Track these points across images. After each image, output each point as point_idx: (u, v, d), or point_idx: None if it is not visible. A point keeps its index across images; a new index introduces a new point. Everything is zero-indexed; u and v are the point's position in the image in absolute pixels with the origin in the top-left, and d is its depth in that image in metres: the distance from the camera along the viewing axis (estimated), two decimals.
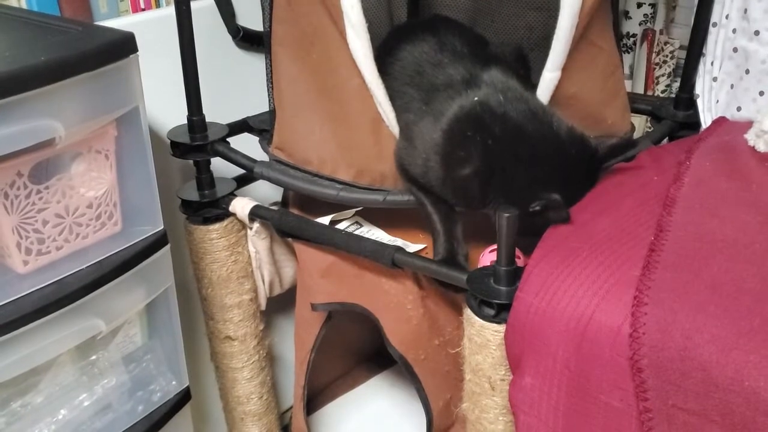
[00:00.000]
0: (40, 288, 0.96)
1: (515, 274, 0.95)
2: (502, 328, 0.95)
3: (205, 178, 1.30)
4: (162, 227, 1.10)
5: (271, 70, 1.24)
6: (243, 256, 1.35)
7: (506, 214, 0.92)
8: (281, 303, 1.54)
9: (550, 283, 0.89)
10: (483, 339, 0.98)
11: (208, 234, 1.30)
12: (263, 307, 1.43)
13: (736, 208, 0.94)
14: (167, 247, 1.11)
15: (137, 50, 0.99)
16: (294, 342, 1.40)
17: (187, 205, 1.30)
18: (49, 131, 0.90)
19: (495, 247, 1.00)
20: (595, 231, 0.95)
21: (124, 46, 0.97)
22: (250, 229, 1.31)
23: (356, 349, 1.76)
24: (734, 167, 1.05)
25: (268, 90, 1.27)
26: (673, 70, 1.57)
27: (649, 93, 1.60)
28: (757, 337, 0.75)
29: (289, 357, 1.58)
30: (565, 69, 1.09)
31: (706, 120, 1.29)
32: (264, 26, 1.24)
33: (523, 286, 0.91)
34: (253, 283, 1.38)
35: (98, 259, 1.02)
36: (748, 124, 1.17)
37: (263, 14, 1.24)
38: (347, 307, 1.22)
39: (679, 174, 1.04)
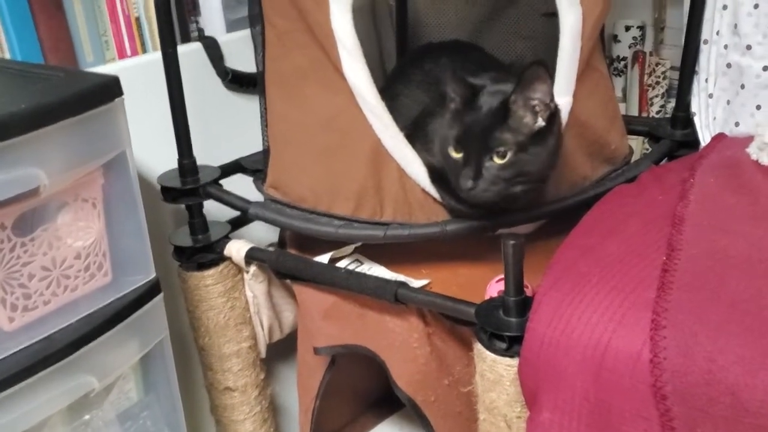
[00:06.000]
0: (28, 346, 0.92)
1: (525, 304, 0.92)
2: (515, 362, 0.91)
3: (198, 222, 1.27)
4: (154, 275, 1.07)
5: (265, 109, 1.23)
6: (240, 302, 1.31)
7: (512, 242, 0.90)
8: (282, 349, 1.50)
9: (562, 312, 0.86)
10: (496, 375, 0.94)
11: (203, 280, 1.26)
12: (263, 354, 1.39)
13: (747, 223, 0.91)
14: (160, 296, 1.08)
15: (122, 93, 0.96)
16: (297, 389, 1.35)
17: (180, 252, 1.27)
18: (33, 180, 0.88)
19: (501, 276, 0.97)
20: (604, 254, 0.92)
21: (108, 89, 0.95)
22: (247, 272, 1.27)
23: (363, 394, 1.71)
24: (740, 182, 1.03)
25: (262, 129, 1.25)
26: (667, 90, 1.56)
27: (644, 114, 1.59)
28: None
29: (292, 406, 1.53)
30: (576, 95, 1.10)
31: (704, 137, 1.28)
32: (257, 67, 1.24)
33: (534, 316, 0.88)
34: (251, 330, 1.35)
35: (88, 313, 0.99)
36: (749, 139, 1.15)
37: (256, 55, 1.24)
38: (351, 349, 1.18)
39: (684, 192, 1.01)
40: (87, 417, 1.05)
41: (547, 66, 0.98)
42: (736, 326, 0.75)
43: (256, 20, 1.21)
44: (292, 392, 1.45)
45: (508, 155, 0.98)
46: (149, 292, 1.06)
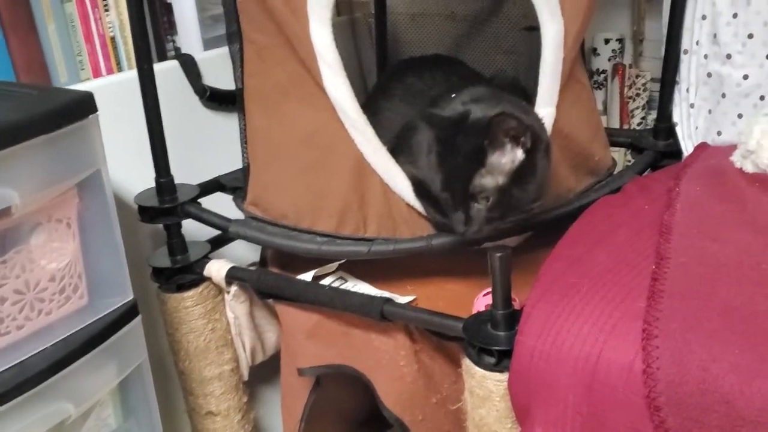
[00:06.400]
0: (0, 372, 0.89)
1: (513, 318, 0.90)
2: (504, 376, 0.90)
3: (176, 242, 1.25)
4: (132, 297, 1.05)
5: (244, 126, 1.21)
6: (221, 324, 1.28)
7: (498, 254, 0.88)
8: (265, 372, 1.47)
9: (551, 323, 0.84)
10: (485, 391, 0.92)
11: (182, 302, 1.24)
12: (246, 377, 1.36)
13: (735, 229, 0.91)
14: (138, 319, 1.06)
15: (96, 110, 0.95)
16: (281, 412, 1.32)
17: (158, 273, 1.24)
18: (5, 200, 0.85)
19: (489, 290, 0.95)
20: (593, 264, 0.91)
21: (82, 106, 0.93)
22: (228, 293, 1.25)
23: (349, 415, 1.68)
24: (725, 190, 1.03)
25: (241, 146, 1.24)
26: (647, 102, 1.56)
27: (625, 127, 1.58)
28: None
29: (277, 430, 1.50)
30: (559, 106, 1.09)
31: (687, 147, 1.28)
32: (236, 84, 1.22)
33: (523, 329, 0.86)
34: (233, 352, 1.32)
35: (64, 336, 0.96)
36: (731, 148, 1.15)
37: (234, 71, 1.22)
38: (336, 370, 1.16)
39: (670, 201, 1.01)
40: None
41: (509, 113, 0.95)
42: (730, 334, 0.73)
43: (234, 38, 1.20)
44: (276, 416, 1.42)
45: (491, 199, 0.97)
46: (127, 314, 1.03)
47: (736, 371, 0.70)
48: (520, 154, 0.96)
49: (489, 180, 0.96)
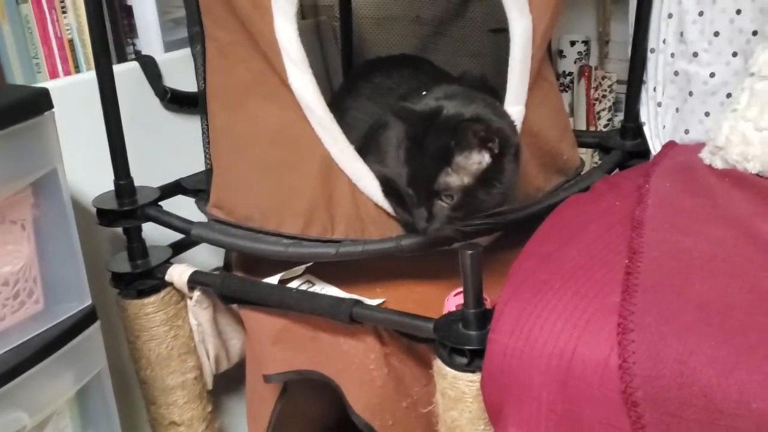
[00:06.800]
0: None
1: (485, 317, 0.89)
2: (477, 377, 0.88)
3: (136, 247, 1.21)
4: (90, 302, 1.02)
5: (207, 127, 1.19)
6: (184, 330, 1.26)
7: (469, 251, 0.86)
8: (230, 380, 1.44)
9: (524, 320, 0.82)
10: (457, 392, 0.91)
11: (143, 308, 1.21)
12: (210, 386, 1.33)
13: (707, 224, 0.90)
14: (97, 324, 1.03)
15: (52, 107, 0.91)
16: (247, 421, 1.30)
17: (118, 279, 1.21)
18: None
19: (459, 290, 0.94)
20: (564, 261, 0.90)
21: (37, 102, 0.91)
22: (190, 298, 1.22)
23: (317, 423, 1.65)
24: (695, 185, 1.03)
25: (204, 148, 1.21)
26: (613, 103, 1.57)
27: (592, 129, 1.58)
28: (758, 354, 0.69)
29: None
30: (528, 105, 1.09)
31: (655, 146, 1.28)
32: (198, 84, 1.20)
33: (496, 327, 0.84)
34: (197, 360, 1.29)
35: (18, 343, 0.94)
36: (700, 146, 1.15)
37: (196, 70, 1.20)
38: (304, 375, 1.13)
39: (641, 197, 1.00)
40: None
41: (478, 119, 0.95)
42: (706, 326, 0.72)
43: (196, 39, 1.18)
44: (241, 425, 1.40)
45: (455, 198, 0.96)
46: (85, 320, 1.01)
47: (714, 364, 0.69)
48: (487, 157, 0.96)
49: (454, 179, 0.95)
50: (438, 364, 0.93)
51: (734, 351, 0.70)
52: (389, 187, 1.08)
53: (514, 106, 1.08)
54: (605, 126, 1.58)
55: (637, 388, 0.72)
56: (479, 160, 0.95)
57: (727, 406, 0.68)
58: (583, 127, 1.60)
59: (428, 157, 0.96)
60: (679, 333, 0.73)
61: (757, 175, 1.03)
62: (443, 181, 0.95)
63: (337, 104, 1.24)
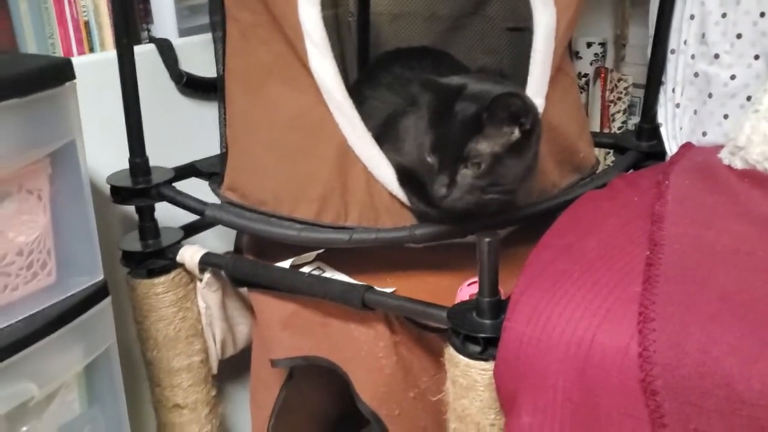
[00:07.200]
0: None
1: (500, 306, 0.88)
2: (489, 365, 0.87)
3: (148, 226, 1.20)
4: (102, 277, 1.02)
5: (224, 111, 1.18)
6: (192, 313, 1.25)
7: (487, 239, 0.85)
8: (234, 367, 1.43)
9: (542, 309, 0.82)
10: (469, 380, 0.90)
11: (153, 288, 1.20)
12: (215, 370, 1.32)
13: (729, 219, 0.90)
14: (108, 300, 1.02)
15: (75, 77, 0.91)
16: (250, 407, 1.29)
17: (129, 258, 1.20)
18: None
19: (473, 280, 0.93)
20: (584, 252, 0.89)
21: (59, 72, 0.90)
22: (200, 280, 1.21)
23: (321, 414, 1.63)
24: (715, 183, 1.02)
25: (220, 131, 1.20)
26: (628, 106, 1.56)
27: (605, 131, 1.58)
28: None
29: (243, 429, 1.45)
30: (548, 98, 1.08)
31: (671, 148, 1.27)
32: (217, 69, 1.19)
33: (512, 315, 0.83)
34: (203, 343, 1.28)
35: (29, 314, 0.93)
36: (717, 148, 1.15)
37: (216, 53, 1.20)
38: (312, 361, 1.12)
39: (660, 193, 1.00)
40: (25, 429, 0.96)
41: (515, 93, 0.96)
42: (729, 317, 0.72)
43: (217, 26, 1.17)
44: (243, 414, 1.38)
45: (483, 166, 0.95)
46: (96, 294, 1.00)
47: (736, 354, 0.69)
48: (517, 132, 0.96)
49: (485, 146, 0.95)
50: (450, 352, 0.92)
51: (758, 342, 0.69)
52: (405, 176, 1.07)
53: (535, 98, 1.07)
54: (619, 128, 1.58)
55: (657, 376, 0.72)
56: (510, 131, 0.96)
57: (750, 396, 0.67)
58: (597, 129, 1.60)
59: (457, 124, 0.96)
60: (701, 323, 0.72)
61: None
62: (473, 147, 0.95)
63: (355, 93, 1.23)
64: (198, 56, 1.43)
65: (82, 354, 0.99)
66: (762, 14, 1.16)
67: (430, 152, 0.98)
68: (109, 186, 1.19)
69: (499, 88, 0.97)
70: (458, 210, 0.99)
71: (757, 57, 1.18)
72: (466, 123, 0.95)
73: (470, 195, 0.96)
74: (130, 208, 1.22)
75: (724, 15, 1.18)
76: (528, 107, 0.96)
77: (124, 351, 1.24)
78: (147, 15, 1.49)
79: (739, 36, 1.18)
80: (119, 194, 1.18)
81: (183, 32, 1.49)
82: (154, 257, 1.20)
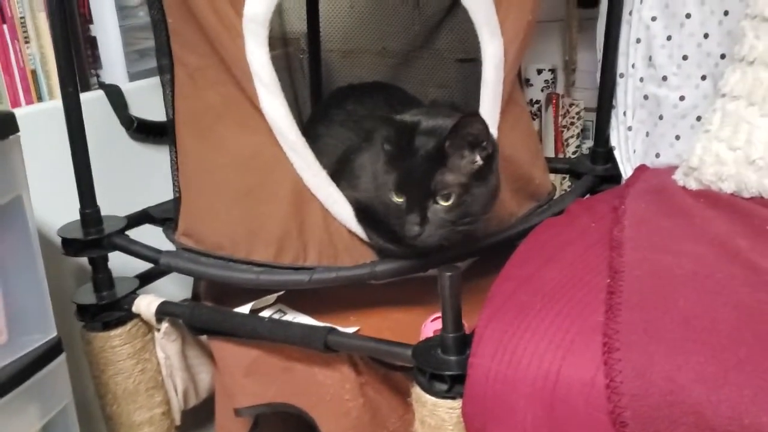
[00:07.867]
0: None
1: (464, 341, 0.87)
2: (457, 403, 0.86)
3: (102, 277, 1.18)
4: (56, 334, 0.98)
5: (176, 155, 1.16)
6: (151, 364, 1.21)
7: (448, 273, 0.85)
8: (198, 416, 1.39)
9: (506, 342, 0.81)
10: (437, 419, 0.89)
11: (109, 341, 1.17)
12: (178, 421, 1.29)
13: (686, 242, 0.90)
14: (62, 357, 0.99)
15: (18, 130, 0.88)
16: None
17: (83, 311, 1.17)
18: None
19: (437, 315, 0.92)
20: (544, 282, 0.89)
21: (1, 126, 0.86)
22: (158, 330, 1.18)
23: None
24: (670, 206, 1.03)
25: (172, 176, 1.18)
26: (581, 131, 1.58)
27: (560, 156, 1.59)
28: (747, 368, 0.68)
29: None
30: (500, 128, 1.08)
31: (626, 170, 1.28)
32: (167, 113, 1.17)
33: (477, 350, 0.83)
34: (164, 395, 1.25)
35: None
36: (671, 169, 1.16)
37: (165, 99, 1.17)
38: (277, 408, 1.11)
39: (617, 218, 1.00)
40: None
41: (477, 117, 0.95)
42: (692, 343, 0.72)
43: (165, 69, 1.15)
44: None
45: (453, 197, 0.95)
46: (50, 352, 0.97)
47: (703, 380, 0.68)
48: (478, 159, 0.96)
49: (451, 177, 0.94)
50: (417, 391, 0.91)
51: (723, 366, 0.69)
52: (363, 213, 1.06)
53: None
54: (573, 153, 1.59)
55: (625, 407, 0.71)
56: (473, 159, 0.96)
57: (719, 423, 0.66)
58: (552, 155, 1.61)
59: (419, 159, 0.95)
60: (665, 350, 0.72)
61: (732, 194, 1.03)
62: (440, 179, 0.94)
63: (308, 131, 1.23)
64: (149, 100, 1.41)
65: (38, 414, 0.96)
66: (706, 35, 1.18)
67: (396, 192, 0.96)
68: (60, 238, 1.16)
69: (451, 121, 0.97)
70: (430, 246, 0.98)
71: (704, 77, 1.20)
72: (429, 157, 0.95)
73: (442, 230, 0.96)
74: (84, 259, 1.19)
75: (669, 38, 1.21)
76: (488, 131, 0.96)
77: (83, 407, 1.20)
78: (95, 60, 1.47)
79: (685, 57, 1.20)
80: (71, 246, 1.15)
81: (133, 76, 1.47)
82: (109, 309, 1.17)
